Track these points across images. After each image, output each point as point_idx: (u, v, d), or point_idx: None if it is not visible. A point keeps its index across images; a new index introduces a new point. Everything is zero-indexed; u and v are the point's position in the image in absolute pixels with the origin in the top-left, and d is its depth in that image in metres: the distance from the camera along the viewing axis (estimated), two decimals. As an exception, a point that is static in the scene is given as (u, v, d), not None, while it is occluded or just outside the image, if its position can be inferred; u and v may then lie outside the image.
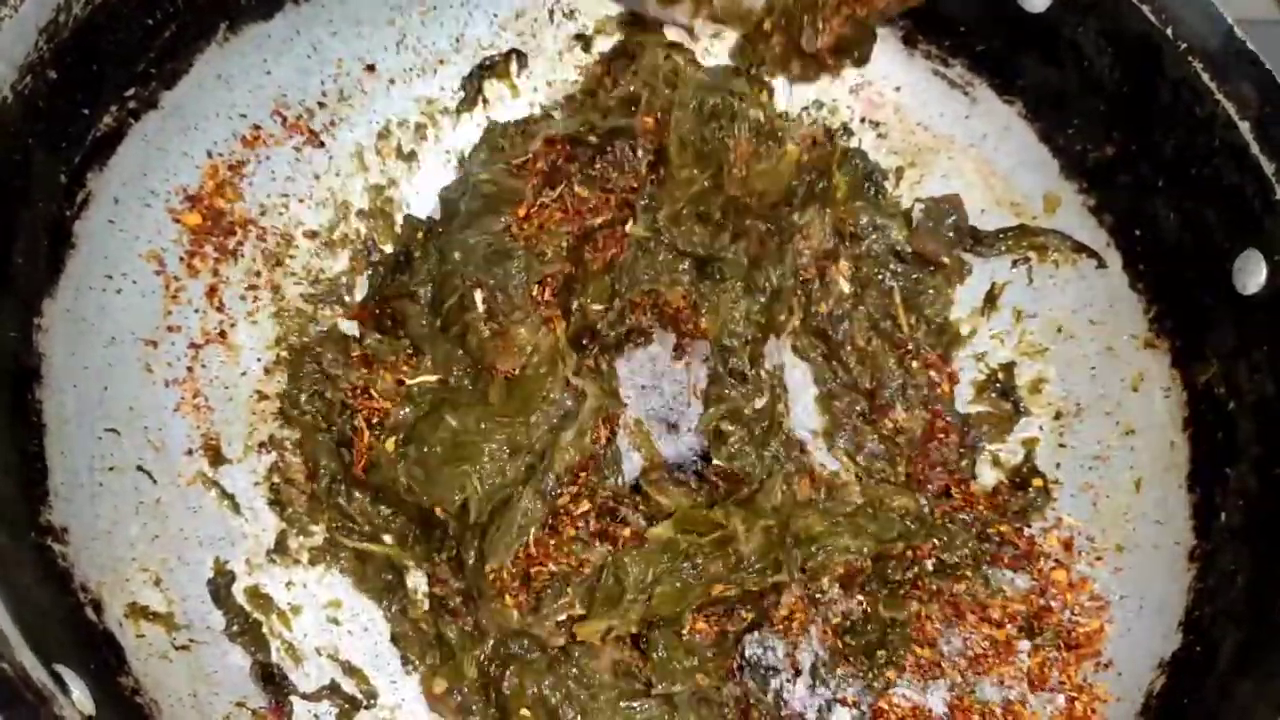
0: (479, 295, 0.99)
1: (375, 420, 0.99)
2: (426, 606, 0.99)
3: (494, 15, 1.12)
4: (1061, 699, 0.97)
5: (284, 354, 1.03)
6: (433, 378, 1.00)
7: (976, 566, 1.02)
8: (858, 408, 1.07)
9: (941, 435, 1.06)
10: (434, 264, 1.03)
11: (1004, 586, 1.02)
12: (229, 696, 0.92)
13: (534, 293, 1.00)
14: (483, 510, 0.95)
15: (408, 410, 0.99)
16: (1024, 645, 1.00)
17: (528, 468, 0.97)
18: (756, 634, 0.98)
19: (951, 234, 1.10)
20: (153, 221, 0.97)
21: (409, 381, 1.00)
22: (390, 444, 0.98)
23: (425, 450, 0.97)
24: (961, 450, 1.07)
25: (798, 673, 0.98)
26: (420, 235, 1.07)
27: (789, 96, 1.13)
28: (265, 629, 0.96)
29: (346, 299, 1.08)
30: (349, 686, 0.96)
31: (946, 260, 1.10)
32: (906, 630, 0.99)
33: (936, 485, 1.05)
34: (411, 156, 1.11)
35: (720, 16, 1.07)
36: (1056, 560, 1.02)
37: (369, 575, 1.00)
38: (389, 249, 1.09)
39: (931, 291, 1.10)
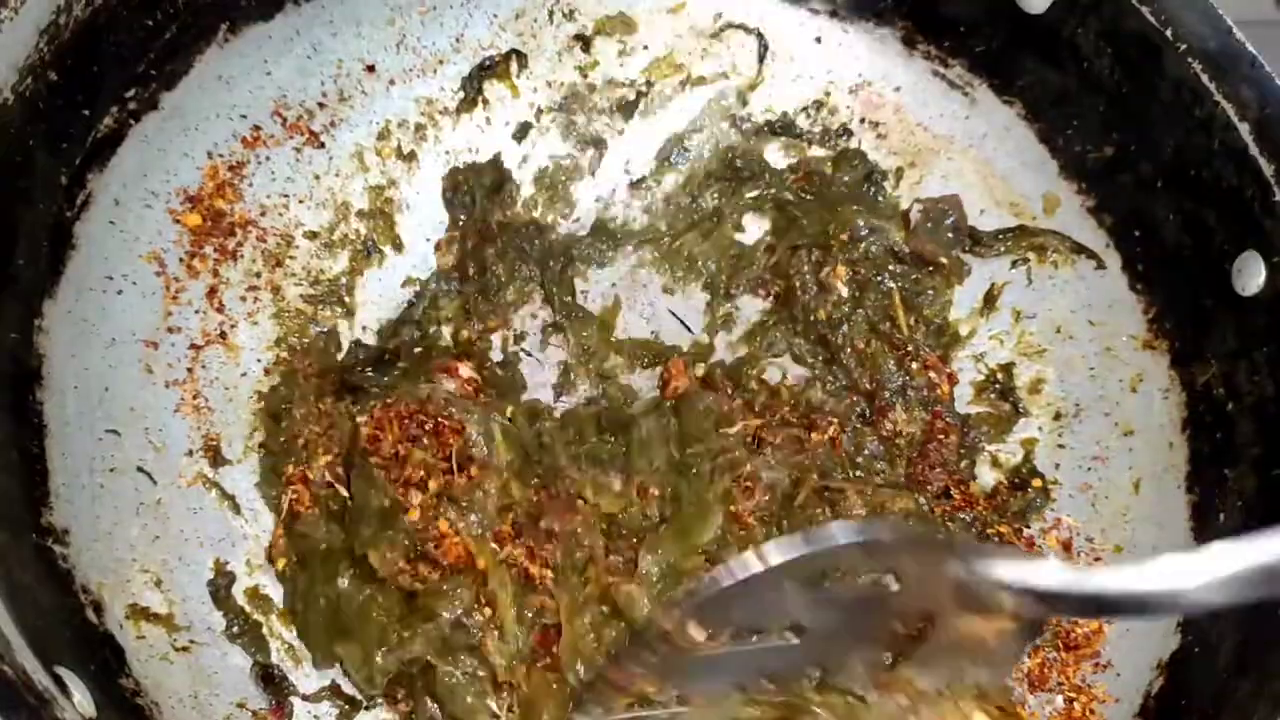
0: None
1: (295, 511, 0.96)
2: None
3: (494, 16, 1.12)
4: (1060, 699, 0.97)
5: (284, 354, 1.03)
6: (345, 492, 0.97)
7: None
8: (857, 409, 1.07)
9: (941, 436, 1.06)
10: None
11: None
12: (229, 697, 0.92)
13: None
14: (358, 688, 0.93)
15: (319, 524, 0.95)
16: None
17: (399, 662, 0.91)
18: None
19: (950, 235, 1.10)
20: (153, 222, 0.97)
21: (330, 481, 0.96)
22: (281, 563, 0.95)
23: (310, 595, 0.93)
24: (961, 451, 1.07)
25: None
26: (417, 342, 1.05)
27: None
28: (265, 630, 0.96)
29: (346, 299, 1.08)
30: (349, 687, 0.96)
31: (945, 261, 1.10)
32: None
33: (936, 485, 1.05)
34: (411, 157, 1.11)
35: None
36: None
37: None
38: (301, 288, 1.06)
39: (930, 292, 1.10)
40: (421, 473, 0.93)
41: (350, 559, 0.93)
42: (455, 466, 0.94)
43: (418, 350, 1.04)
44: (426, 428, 0.95)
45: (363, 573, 0.92)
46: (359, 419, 0.96)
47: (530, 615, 0.92)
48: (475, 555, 0.92)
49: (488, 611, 0.91)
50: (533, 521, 0.95)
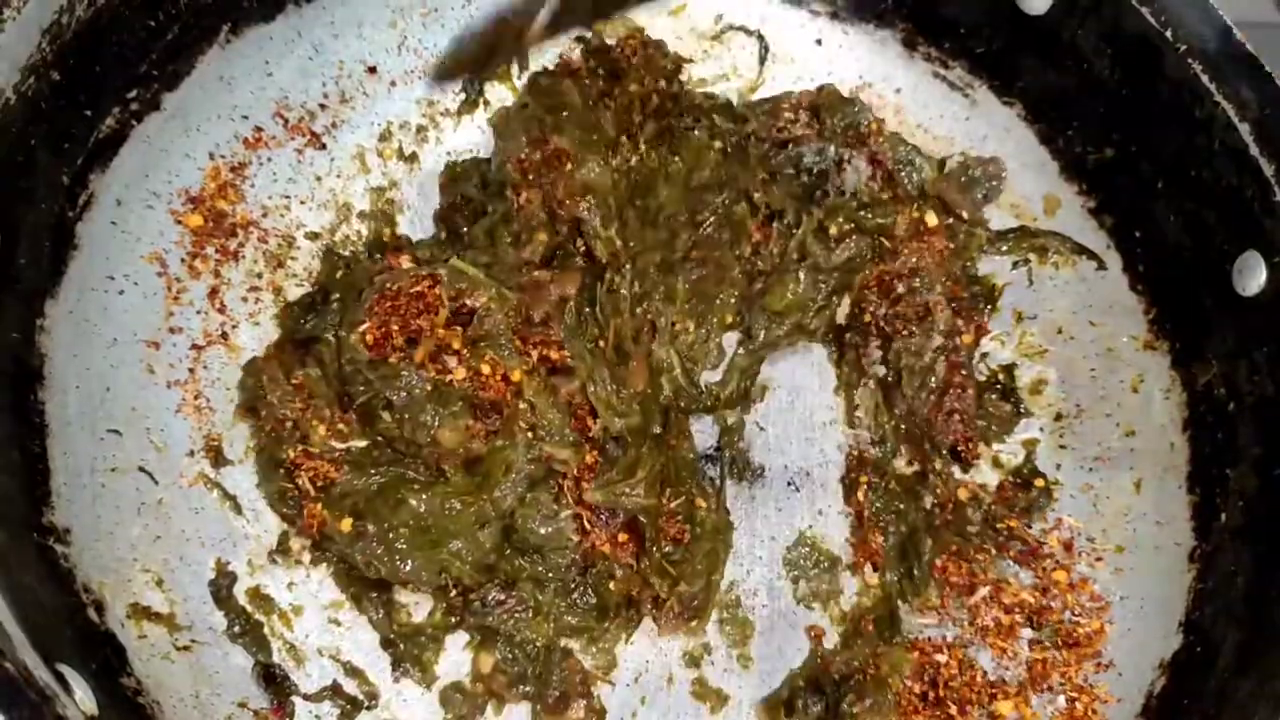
0: (386, 416, 0.96)
1: (320, 484, 0.95)
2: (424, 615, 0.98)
3: (495, 17, 1.12)
4: (1062, 699, 0.97)
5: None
6: (363, 442, 0.98)
7: (989, 550, 1.03)
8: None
9: (959, 389, 1.05)
10: (349, 309, 0.99)
11: (1009, 579, 1.02)
12: (231, 697, 0.92)
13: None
14: (472, 578, 0.95)
15: (353, 478, 0.95)
16: (1027, 633, 1.00)
17: (503, 529, 0.95)
18: None
19: (980, 195, 1.10)
20: (155, 223, 0.98)
21: (338, 446, 0.97)
22: (346, 524, 0.94)
23: (387, 532, 0.93)
24: (977, 405, 1.06)
25: None
26: (339, 274, 1.04)
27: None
28: (267, 630, 0.96)
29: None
30: (350, 687, 0.96)
31: (965, 213, 1.10)
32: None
33: (949, 436, 1.04)
34: (413, 158, 1.11)
35: None
36: (1057, 561, 1.02)
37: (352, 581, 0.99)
38: (303, 289, 1.05)
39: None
40: (441, 332, 0.95)
41: (401, 481, 0.95)
42: (454, 313, 0.96)
43: (340, 275, 1.04)
44: (411, 308, 0.96)
45: (423, 481, 0.95)
46: (351, 337, 0.95)
47: (563, 405, 0.97)
48: (509, 372, 0.94)
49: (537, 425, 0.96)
50: (539, 305, 0.99)
